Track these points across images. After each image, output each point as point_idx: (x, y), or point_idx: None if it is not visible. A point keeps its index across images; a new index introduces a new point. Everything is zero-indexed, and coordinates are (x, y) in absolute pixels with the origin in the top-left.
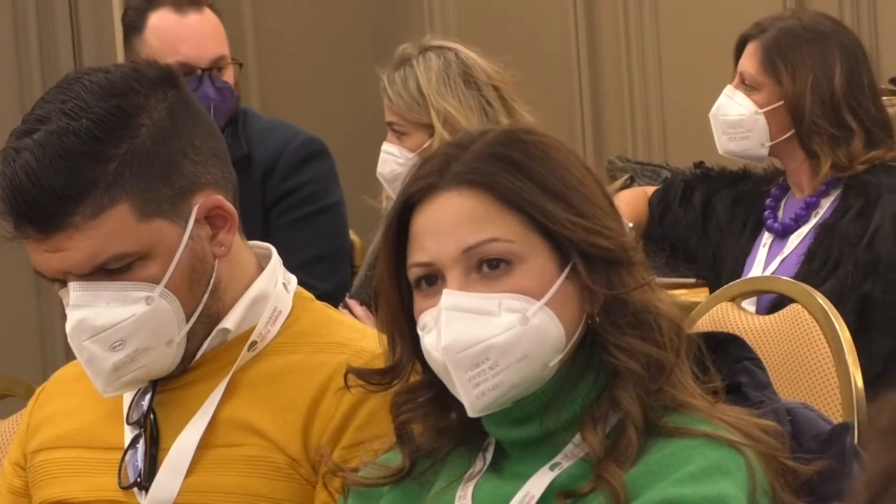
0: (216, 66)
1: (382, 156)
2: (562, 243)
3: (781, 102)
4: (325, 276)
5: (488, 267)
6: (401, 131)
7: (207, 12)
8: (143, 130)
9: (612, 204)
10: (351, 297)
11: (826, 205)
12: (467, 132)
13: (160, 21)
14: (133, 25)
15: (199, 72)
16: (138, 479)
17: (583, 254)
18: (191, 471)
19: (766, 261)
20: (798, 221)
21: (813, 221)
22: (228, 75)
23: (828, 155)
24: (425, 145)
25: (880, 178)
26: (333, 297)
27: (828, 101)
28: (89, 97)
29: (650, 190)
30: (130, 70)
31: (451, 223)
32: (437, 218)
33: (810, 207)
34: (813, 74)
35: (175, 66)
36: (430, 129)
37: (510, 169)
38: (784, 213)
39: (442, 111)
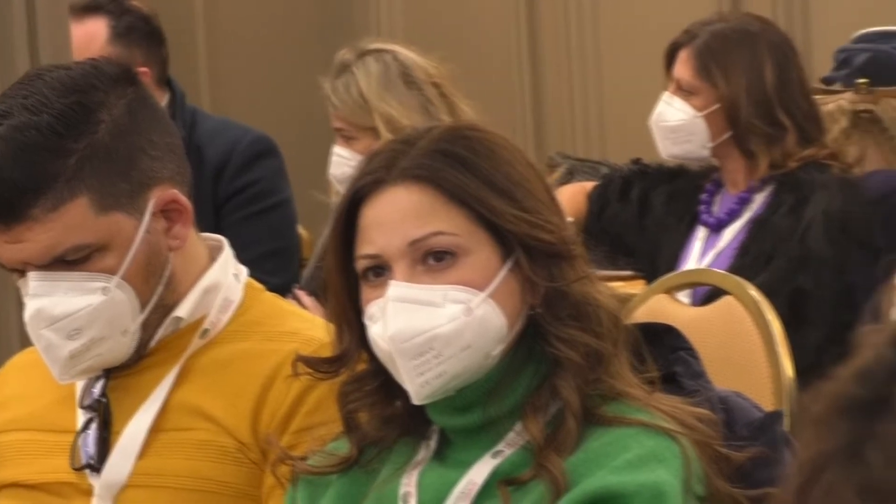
0: None
1: (334, 158)
2: (505, 237)
3: (718, 105)
4: (276, 271)
5: (434, 259)
6: (348, 136)
7: (92, 23)
8: (103, 126)
9: (553, 199)
10: (299, 289)
11: (759, 200)
12: (414, 129)
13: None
14: None
15: None
16: (90, 462)
17: (525, 247)
18: (142, 454)
19: (700, 254)
20: (732, 216)
21: (746, 216)
22: None
23: (764, 154)
24: (373, 148)
25: (813, 175)
26: (283, 291)
27: (762, 100)
28: (50, 93)
29: (589, 186)
30: (90, 67)
31: (397, 217)
32: (384, 212)
33: (744, 203)
34: (746, 76)
35: None
36: (375, 132)
37: (455, 164)
38: (718, 208)
39: (384, 114)
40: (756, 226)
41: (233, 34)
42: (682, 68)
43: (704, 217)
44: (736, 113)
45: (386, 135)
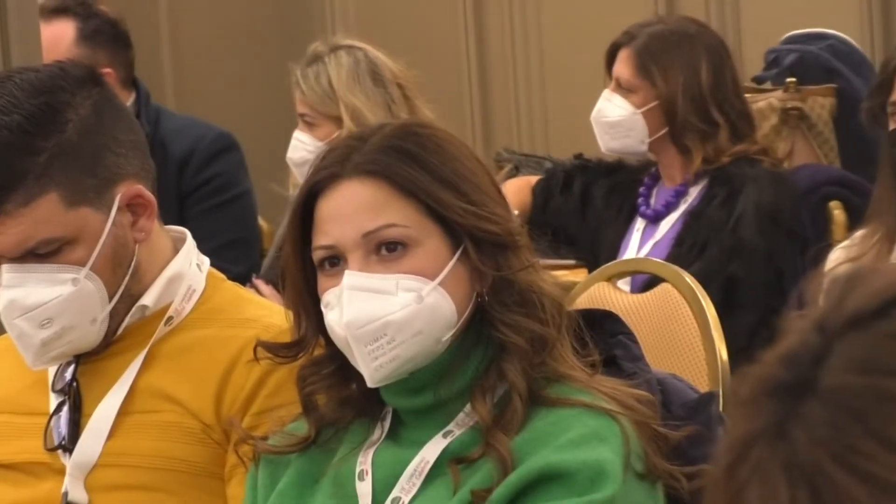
0: None
1: (293, 142)
2: (454, 228)
3: (656, 103)
4: (238, 260)
5: (386, 250)
6: (311, 122)
7: (58, 25)
8: (70, 125)
9: (499, 192)
10: (258, 278)
11: (694, 193)
12: (367, 126)
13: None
14: None
15: None
16: (62, 442)
17: (473, 238)
18: (111, 435)
19: (639, 244)
20: (668, 208)
21: (682, 208)
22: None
23: (699, 149)
24: (334, 135)
25: (744, 169)
26: (244, 279)
27: (697, 98)
28: (20, 94)
29: (534, 179)
30: (58, 69)
31: (351, 210)
32: (339, 205)
33: (680, 196)
34: (683, 75)
35: None
36: (338, 121)
37: (406, 160)
38: (656, 201)
39: (350, 105)
40: (691, 217)
41: (195, 37)
42: (623, 67)
43: (642, 209)
44: (673, 110)
45: (349, 124)
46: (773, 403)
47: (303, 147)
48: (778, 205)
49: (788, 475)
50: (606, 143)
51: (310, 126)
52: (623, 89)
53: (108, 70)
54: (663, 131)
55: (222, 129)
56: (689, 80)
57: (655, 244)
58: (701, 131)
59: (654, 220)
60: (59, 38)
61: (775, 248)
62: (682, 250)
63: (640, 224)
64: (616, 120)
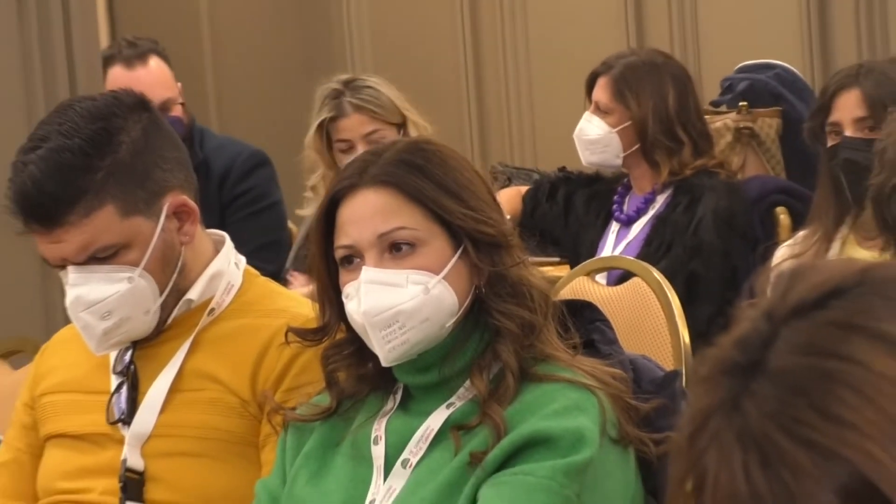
0: (164, 107)
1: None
2: (455, 230)
3: (630, 123)
4: (271, 259)
5: (397, 249)
6: (378, 138)
7: (152, 62)
8: (123, 146)
9: (494, 199)
10: (292, 270)
11: (661, 201)
12: (381, 143)
13: (113, 77)
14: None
15: None
16: (122, 416)
17: (472, 239)
18: (163, 410)
19: (614, 244)
20: (639, 213)
21: (651, 214)
22: (177, 111)
23: (665, 163)
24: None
25: (704, 180)
26: (276, 275)
27: (665, 120)
28: (80, 120)
29: (524, 189)
30: (112, 98)
31: (368, 214)
32: (357, 210)
33: (648, 203)
34: (653, 100)
35: None
36: (398, 127)
37: (415, 172)
38: (628, 207)
39: (407, 111)
40: (658, 221)
41: (234, 70)
42: (601, 92)
43: (617, 214)
44: (644, 130)
45: (417, 120)
46: (728, 381)
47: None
48: (732, 210)
49: (741, 443)
50: (586, 158)
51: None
52: (601, 111)
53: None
54: (635, 147)
55: (257, 148)
56: (658, 104)
57: (628, 244)
58: (668, 148)
59: (627, 223)
60: (164, 71)
61: (730, 248)
62: (651, 249)
63: (614, 227)
64: (595, 138)
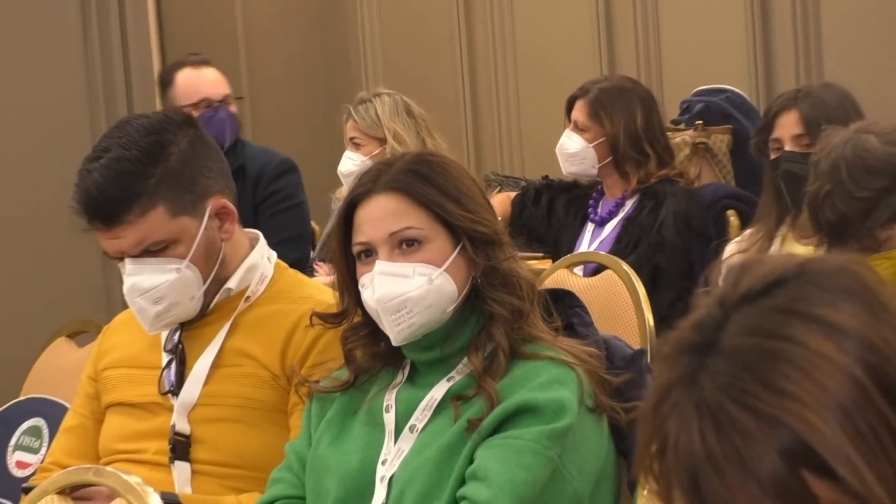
0: (226, 100)
1: (344, 159)
2: (455, 230)
3: (604, 139)
4: (295, 250)
5: (406, 245)
6: (359, 143)
7: (213, 68)
8: (173, 157)
9: (488, 203)
10: (318, 261)
11: (629, 205)
12: (393, 155)
13: (186, 75)
14: (165, 81)
15: (216, 103)
16: (171, 388)
17: (469, 237)
18: (206, 382)
19: (589, 242)
20: (611, 216)
21: (621, 216)
22: (234, 107)
23: (634, 173)
24: (376, 152)
25: (666, 187)
26: (300, 264)
27: (634, 137)
28: (136, 134)
29: (512, 195)
30: (163, 116)
31: (381, 215)
32: (372, 212)
33: (619, 207)
34: (623, 119)
35: (199, 101)
36: (381, 141)
37: (421, 180)
38: (602, 210)
39: (392, 130)
40: (627, 222)
41: (266, 89)
42: (578, 113)
43: (592, 216)
44: (616, 145)
45: (392, 142)
46: (686, 359)
47: (351, 162)
48: (690, 213)
49: (698, 411)
50: (567, 168)
51: (357, 146)
52: (579, 129)
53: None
54: (608, 160)
55: (285, 156)
56: (628, 123)
57: (601, 242)
58: (636, 160)
59: (601, 224)
60: (221, 75)
61: (689, 245)
62: (621, 246)
63: (590, 227)
64: (574, 151)
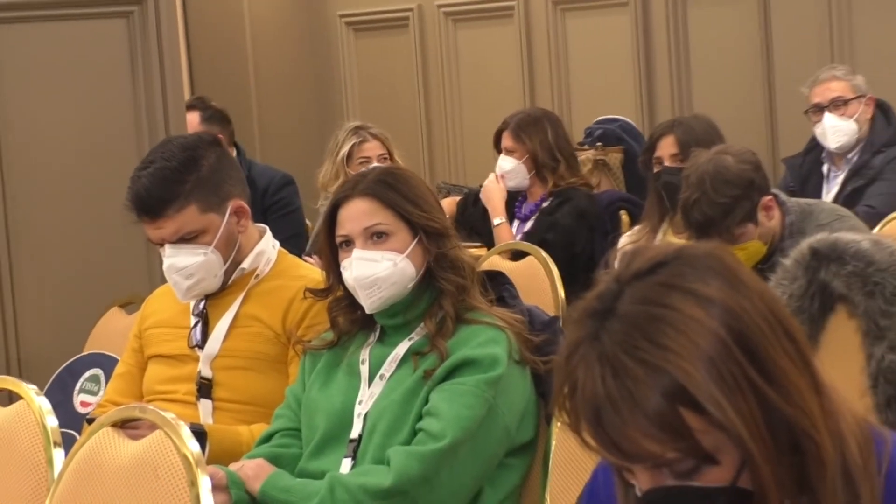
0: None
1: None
2: (414, 225)
3: (528, 156)
4: (295, 245)
5: (376, 237)
6: (385, 158)
7: (196, 112)
8: (204, 168)
9: (439, 205)
10: (309, 255)
11: (544, 205)
12: (367, 169)
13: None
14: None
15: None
16: (198, 343)
17: (425, 231)
18: (225, 339)
19: (515, 234)
20: (531, 214)
21: (537, 214)
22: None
23: (550, 177)
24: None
25: (569, 192)
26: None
27: (548, 151)
28: (176, 150)
29: (458, 198)
30: (197, 137)
31: (357, 215)
32: (350, 212)
33: (537, 206)
34: (539, 139)
35: None
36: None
37: (388, 187)
38: (525, 210)
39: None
40: (541, 216)
41: (271, 118)
42: (506, 140)
43: (517, 214)
44: (536, 157)
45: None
46: (591, 321)
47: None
48: (586, 209)
49: (600, 362)
50: (508, 185)
51: (384, 160)
52: (508, 151)
53: (220, 136)
54: (532, 172)
55: (285, 172)
56: (542, 139)
57: (524, 234)
58: (551, 166)
59: (524, 220)
60: (192, 121)
61: (578, 231)
62: (538, 236)
63: (516, 224)
64: (509, 168)
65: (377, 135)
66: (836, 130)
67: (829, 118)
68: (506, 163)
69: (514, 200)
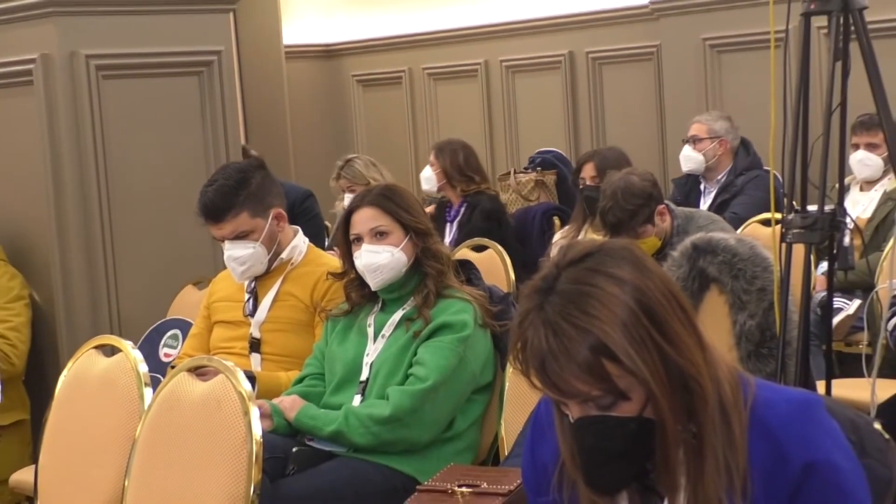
0: None
1: (344, 196)
2: (406, 227)
3: (440, 170)
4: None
5: (379, 235)
6: (350, 189)
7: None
8: (253, 185)
9: (425, 212)
10: (330, 248)
11: (462, 209)
12: (373, 186)
13: None
14: None
15: None
16: (250, 312)
17: (414, 231)
18: (269, 309)
19: (449, 233)
20: (454, 216)
21: (458, 218)
22: None
23: (465, 190)
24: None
25: (480, 197)
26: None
27: (462, 169)
28: (232, 172)
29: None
30: (247, 163)
31: (365, 219)
32: (360, 217)
33: (457, 211)
34: (450, 158)
35: None
36: (365, 185)
37: (387, 199)
38: (452, 214)
39: (370, 176)
40: (461, 227)
41: (304, 149)
42: (431, 157)
43: (448, 218)
44: (447, 171)
45: (378, 179)
46: (537, 296)
47: (347, 198)
48: (489, 210)
49: (544, 325)
50: (423, 188)
51: (350, 189)
52: (430, 165)
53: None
54: (444, 181)
55: (305, 188)
56: (453, 160)
57: (454, 232)
58: (459, 179)
59: (451, 221)
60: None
61: (487, 227)
62: (463, 233)
63: (448, 226)
64: (427, 177)
65: (347, 175)
66: (687, 159)
67: (685, 149)
68: (426, 172)
69: (445, 207)
